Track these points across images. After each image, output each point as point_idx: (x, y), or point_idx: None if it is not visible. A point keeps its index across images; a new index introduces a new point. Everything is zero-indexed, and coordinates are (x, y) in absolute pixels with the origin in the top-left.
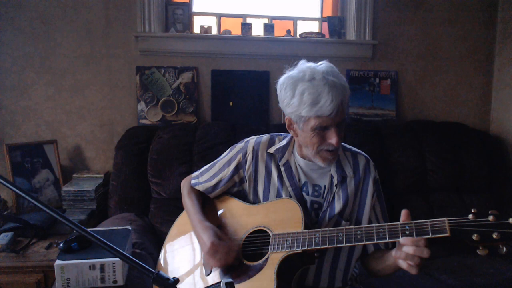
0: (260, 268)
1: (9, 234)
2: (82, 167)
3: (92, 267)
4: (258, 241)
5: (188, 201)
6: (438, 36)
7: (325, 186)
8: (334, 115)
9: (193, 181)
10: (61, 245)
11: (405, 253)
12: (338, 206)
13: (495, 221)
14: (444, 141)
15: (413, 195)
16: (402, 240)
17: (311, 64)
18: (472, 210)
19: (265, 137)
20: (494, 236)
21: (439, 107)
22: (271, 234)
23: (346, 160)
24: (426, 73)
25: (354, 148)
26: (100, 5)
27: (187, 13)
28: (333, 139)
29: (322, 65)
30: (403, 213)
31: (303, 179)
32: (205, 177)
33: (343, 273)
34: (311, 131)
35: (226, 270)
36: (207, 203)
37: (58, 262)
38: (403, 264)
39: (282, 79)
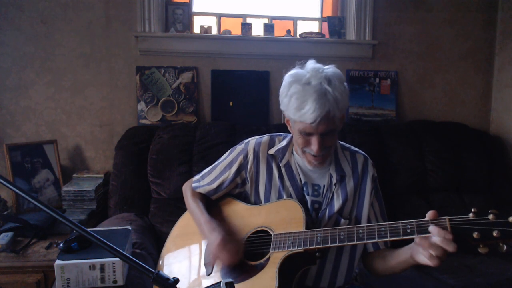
0: (261, 267)
1: (9, 234)
2: (82, 167)
3: (92, 267)
4: (260, 241)
5: (192, 203)
6: (438, 36)
7: (324, 186)
8: (316, 124)
9: (194, 185)
10: (61, 245)
11: (431, 243)
12: (337, 204)
13: (495, 219)
14: (444, 141)
15: (413, 195)
16: (431, 228)
17: (318, 66)
18: (473, 209)
19: (265, 137)
20: (494, 234)
21: (439, 107)
22: (272, 234)
23: (345, 159)
24: (426, 73)
25: (352, 147)
26: (100, 5)
27: (187, 13)
28: (313, 147)
29: (328, 70)
30: (430, 213)
31: (302, 179)
32: (206, 180)
33: (345, 273)
34: (297, 132)
35: (227, 269)
36: (209, 205)
37: (58, 262)
38: (424, 254)
39: (286, 75)
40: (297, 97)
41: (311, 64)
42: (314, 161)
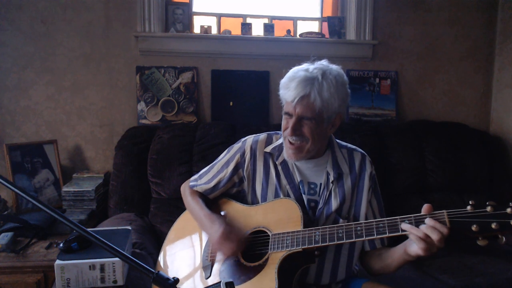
0: (260, 269)
1: (9, 234)
2: (82, 167)
3: (92, 267)
4: (258, 242)
5: (191, 200)
6: (438, 36)
7: (321, 184)
8: (295, 104)
9: (191, 183)
10: (61, 245)
11: (427, 226)
12: (335, 203)
13: (493, 211)
14: (444, 141)
15: (413, 195)
16: (427, 220)
17: (326, 63)
18: (470, 202)
19: (263, 135)
20: (493, 226)
21: (439, 107)
22: (270, 234)
23: (342, 157)
24: (426, 73)
25: (350, 145)
26: (100, 5)
27: (187, 13)
28: (287, 127)
29: (333, 67)
30: (425, 207)
31: (298, 178)
32: (204, 179)
33: (345, 271)
34: (283, 113)
35: (226, 271)
36: (207, 205)
37: (58, 262)
38: (419, 244)
39: None
40: (288, 76)
41: (322, 61)
42: (290, 148)
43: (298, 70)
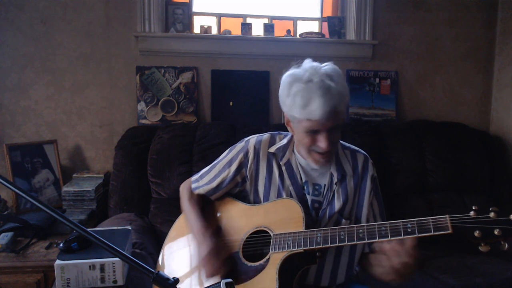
0: (261, 269)
1: (9, 234)
2: (82, 167)
3: (92, 267)
4: (259, 242)
5: (188, 206)
6: (438, 36)
7: (325, 185)
8: (324, 120)
9: (193, 185)
10: (61, 245)
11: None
12: (338, 204)
13: (496, 217)
14: (444, 141)
15: (413, 195)
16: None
17: (316, 64)
18: (473, 207)
19: (266, 136)
20: (496, 232)
21: (439, 107)
22: (272, 234)
23: (346, 159)
24: (426, 73)
25: (352, 146)
26: (100, 5)
27: (187, 13)
28: (322, 143)
29: (326, 67)
30: None
31: (303, 179)
32: (205, 179)
33: (345, 271)
34: (302, 132)
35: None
36: (207, 205)
37: (58, 262)
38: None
39: (284, 76)
40: (302, 95)
41: (308, 63)
42: (322, 159)
43: (306, 84)
